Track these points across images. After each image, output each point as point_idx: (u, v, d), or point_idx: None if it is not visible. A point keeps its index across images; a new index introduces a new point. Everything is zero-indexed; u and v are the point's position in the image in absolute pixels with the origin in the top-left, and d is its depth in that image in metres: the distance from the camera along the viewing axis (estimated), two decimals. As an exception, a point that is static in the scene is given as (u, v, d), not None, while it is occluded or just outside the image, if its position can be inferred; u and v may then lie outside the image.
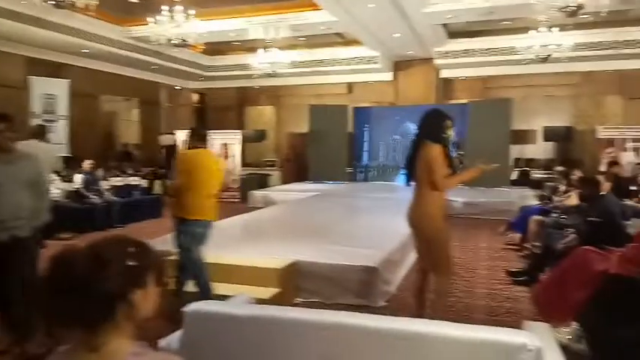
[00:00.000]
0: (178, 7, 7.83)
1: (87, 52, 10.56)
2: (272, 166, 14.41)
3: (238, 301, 2.46)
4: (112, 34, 10.46)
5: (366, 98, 14.38)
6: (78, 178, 8.04)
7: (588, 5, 6.27)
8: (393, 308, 4.29)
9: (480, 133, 11.40)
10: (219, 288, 3.90)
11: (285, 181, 13.65)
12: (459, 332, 1.74)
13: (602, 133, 10.85)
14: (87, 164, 8.22)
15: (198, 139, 4.03)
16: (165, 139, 14.00)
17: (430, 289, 3.48)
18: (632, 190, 6.36)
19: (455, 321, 3.91)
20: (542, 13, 6.89)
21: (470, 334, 1.74)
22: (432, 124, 3.18)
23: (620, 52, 10.64)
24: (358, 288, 4.32)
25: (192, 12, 7.94)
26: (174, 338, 2.11)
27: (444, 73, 13.07)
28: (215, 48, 13.10)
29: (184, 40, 8.47)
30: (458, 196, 9.65)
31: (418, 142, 3.21)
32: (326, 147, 12.69)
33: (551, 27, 9.03)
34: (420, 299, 3.52)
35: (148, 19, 8.22)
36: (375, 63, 12.57)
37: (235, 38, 11.25)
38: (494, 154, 11.22)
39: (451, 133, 3.14)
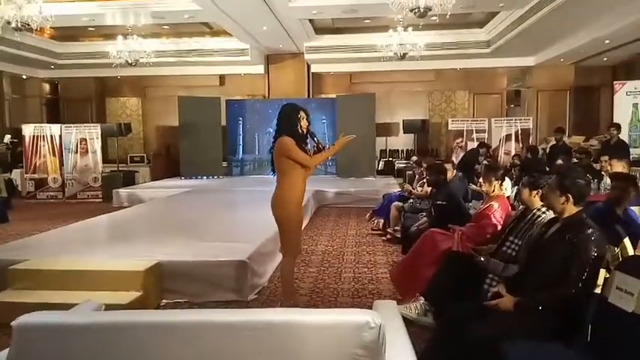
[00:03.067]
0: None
1: None
2: (140, 161, 13.54)
3: (83, 309, 2.25)
4: None
5: (238, 91, 14.21)
6: None
7: (435, 8, 6.88)
8: (264, 300, 4.32)
9: (348, 126, 11.87)
10: (72, 297, 3.56)
11: (155, 178, 12.93)
12: (307, 317, 1.78)
13: (452, 125, 12.05)
14: None
15: None
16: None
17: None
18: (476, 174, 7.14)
19: (322, 305, 4.08)
20: (397, 13, 7.39)
21: (317, 318, 1.79)
22: (287, 118, 3.34)
23: (465, 52, 11.90)
24: (228, 283, 4.25)
25: (33, -9, 7.07)
26: (1, 357, 1.86)
27: (315, 68, 13.45)
28: (67, 34, 11.85)
29: (27, 24, 7.51)
30: (330, 187, 10.04)
31: (276, 135, 3.36)
32: (199, 141, 12.30)
33: (406, 27, 9.75)
34: None
35: (-20, -3, 7.13)
36: (245, 55, 12.45)
37: (90, 23, 10.30)
38: (362, 146, 11.91)
39: (305, 124, 3.29)
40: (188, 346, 1.77)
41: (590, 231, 2.32)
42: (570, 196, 2.42)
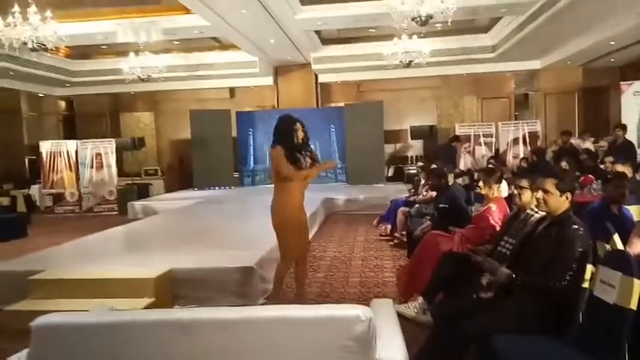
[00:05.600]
0: (32, 9, 7.20)
1: None
2: (154, 174, 13.83)
3: (97, 312, 2.40)
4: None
5: (248, 102, 14.44)
6: None
7: (437, 15, 7.00)
8: (272, 304, 4.44)
9: (357, 133, 12.10)
10: (87, 304, 3.72)
11: (169, 190, 13.20)
12: (301, 313, 1.91)
13: (460, 130, 12.08)
14: None
15: None
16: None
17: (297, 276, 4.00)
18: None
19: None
20: (399, 22, 7.52)
21: (310, 313, 1.92)
22: (283, 130, 3.48)
23: (471, 57, 11.98)
24: (237, 289, 4.38)
25: (48, 14, 7.36)
26: (22, 356, 2.01)
27: (322, 78, 13.62)
28: (81, 52, 12.24)
29: (42, 44, 7.80)
30: (339, 195, 10.16)
31: (272, 145, 3.52)
32: (210, 152, 12.53)
33: (411, 35, 9.88)
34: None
35: (-2, 20, 7.44)
36: (254, 67, 12.70)
37: (103, 42, 10.64)
38: (370, 153, 12.04)
39: (301, 135, 3.43)
40: (186, 342, 1.91)
41: (575, 227, 2.41)
42: (570, 194, 2.53)
